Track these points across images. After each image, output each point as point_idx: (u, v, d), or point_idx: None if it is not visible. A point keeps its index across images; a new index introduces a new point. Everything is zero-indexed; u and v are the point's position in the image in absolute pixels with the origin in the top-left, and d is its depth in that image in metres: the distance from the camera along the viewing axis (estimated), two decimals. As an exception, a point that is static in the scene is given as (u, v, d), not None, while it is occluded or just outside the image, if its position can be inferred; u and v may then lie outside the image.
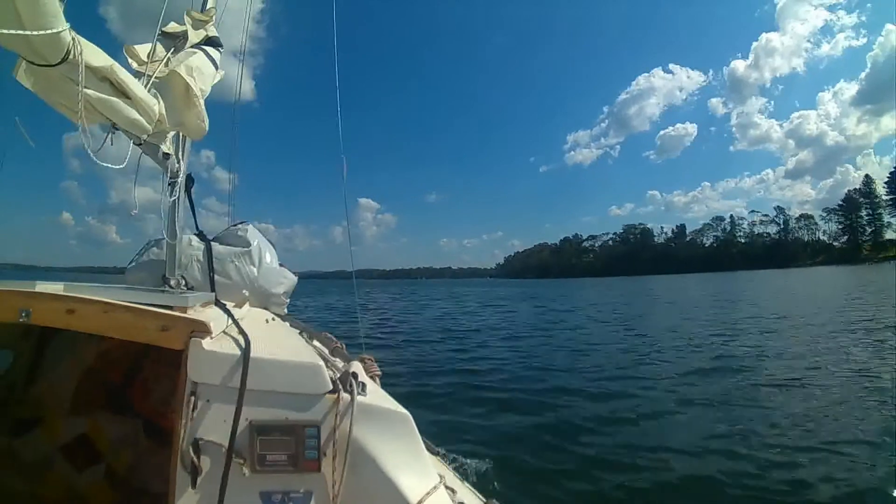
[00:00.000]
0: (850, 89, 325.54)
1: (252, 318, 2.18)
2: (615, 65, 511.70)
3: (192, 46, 2.30)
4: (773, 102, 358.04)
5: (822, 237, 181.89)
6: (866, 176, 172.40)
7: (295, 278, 3.12)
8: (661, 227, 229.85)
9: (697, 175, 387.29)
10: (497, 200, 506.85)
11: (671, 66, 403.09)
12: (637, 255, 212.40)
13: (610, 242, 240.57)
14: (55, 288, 1.60)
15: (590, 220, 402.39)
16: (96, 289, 1.66)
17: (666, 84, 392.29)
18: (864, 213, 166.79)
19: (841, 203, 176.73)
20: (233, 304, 2.08)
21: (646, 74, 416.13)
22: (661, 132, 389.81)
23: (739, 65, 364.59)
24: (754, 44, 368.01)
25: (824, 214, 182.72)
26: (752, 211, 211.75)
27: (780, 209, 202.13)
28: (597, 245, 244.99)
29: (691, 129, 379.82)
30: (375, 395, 1.67)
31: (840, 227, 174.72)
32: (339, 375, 1.58)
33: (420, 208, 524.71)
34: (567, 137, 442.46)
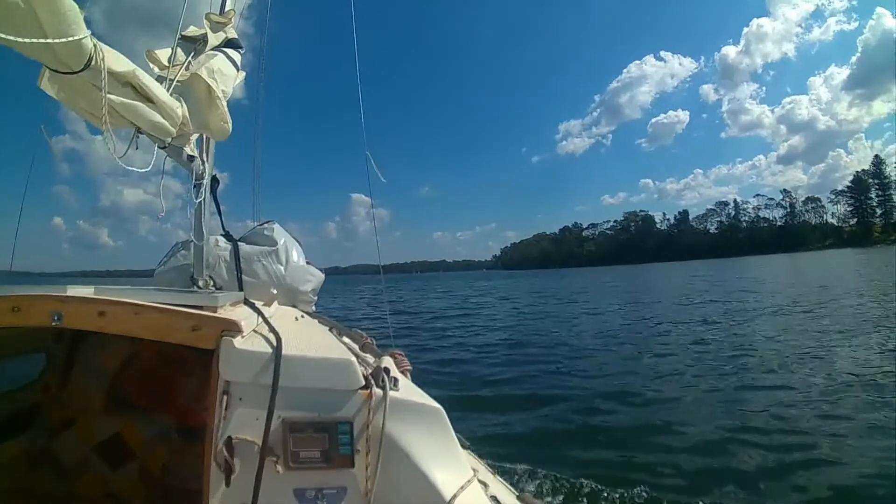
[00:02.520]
0: (841, 74, 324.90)
1: (281, 316, 2.19)
2: (606, 53, 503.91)
3: (212, 49, 2.30)
4: (764, 88, 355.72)
5: (830, 220, 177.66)
6: (876, 156, 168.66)
7: (322, 275, 3.13)
8: (664, 214, 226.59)
9: (690, 162, 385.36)
10: (490, 192, 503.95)
11: (663, 53, 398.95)
12: (640, 242, 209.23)
13: (609, 231, 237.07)
14: (86, 291, 1.62)
15: (583, 210, 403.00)
16: (126, 291, 1.68)
17: (657, 71, 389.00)
18: (873, 194, 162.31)
19: (849, 185, 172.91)
20: (261, 302, 2.08)
21: (637, 62, 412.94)
22: (653, 120, 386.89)
23: (731, 51, 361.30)
24: (745, 29, 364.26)
25: (832, 196, 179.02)
26: (758, 195, 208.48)
27: (786, 192, 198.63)
28: (596, 233, 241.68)
29: (683, 116, 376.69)
30: (408, 390, 1.66)
31: (849, 209, 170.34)
32: (370, 371, 1.57)
33: (413, 202, 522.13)
34: (559, 127, 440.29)
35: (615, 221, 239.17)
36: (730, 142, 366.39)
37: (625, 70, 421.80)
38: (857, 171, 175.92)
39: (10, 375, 2.61)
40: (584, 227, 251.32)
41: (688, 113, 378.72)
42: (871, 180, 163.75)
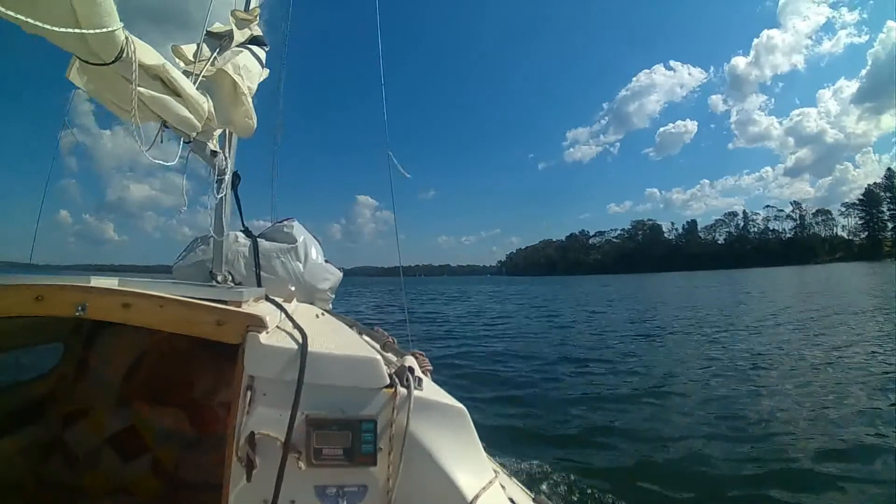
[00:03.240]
0: (850, 87, 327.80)
1: (302, 313, 2.18)
2: (616, 61, 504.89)
3: (237, 45, 2.31)
4: (773, 100, 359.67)
5: (839, 233, 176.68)
6: (889, 169, 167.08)
7: (340, 274, 3.12)
8: (672, 223, 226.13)
9: (696, 173, 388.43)
10: (495, 198, 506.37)
11: (672, 62, 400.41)
12: (647, 251, 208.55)
13: (616, 239, 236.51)
14: (109, 283, 1.62)
15: (588, 218, 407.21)
16: (149, 283, 1.67)
17: (667, 81, 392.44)
18: (885, 208, 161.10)
19: (861, 198, 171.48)
20: (280, 299, 2.07)
21: (647, 71, 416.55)
22: (661, 129, 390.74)
23: (740, 62, 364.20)
24: (755, 41, 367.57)
25: (843, 209, 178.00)
26: (767, 206, 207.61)
27: (796, 204, 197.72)
28: (603, 241, 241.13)
29: (691, 126, 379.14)
30: (431, 390, 1.64)
31: (860, 222, 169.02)
32: (395, 370, 1.55)
33: (418, 205, 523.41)
34: (566, 134, 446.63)
35: (622, 230, 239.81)
36: (737, 153, 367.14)
37: (634, 78, 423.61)
38: (868, 185, 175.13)
39: (25, 365, 2.63)
40: (591, 234, 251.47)
41: (696, 123, 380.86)
42: (883, 193, 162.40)
